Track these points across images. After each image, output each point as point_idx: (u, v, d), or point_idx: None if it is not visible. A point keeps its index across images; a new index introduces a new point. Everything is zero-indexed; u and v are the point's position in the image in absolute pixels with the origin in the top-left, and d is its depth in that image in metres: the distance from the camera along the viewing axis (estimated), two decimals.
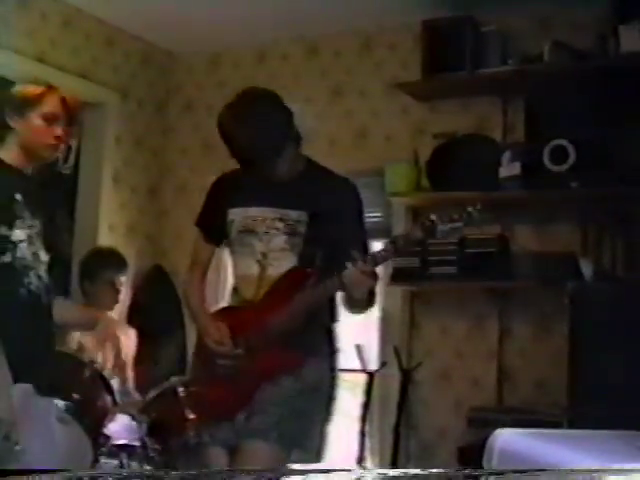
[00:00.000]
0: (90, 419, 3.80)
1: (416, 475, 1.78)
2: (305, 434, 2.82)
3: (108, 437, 3.92)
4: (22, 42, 4.45)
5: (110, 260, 4.33)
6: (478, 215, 2.80)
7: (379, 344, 4.66)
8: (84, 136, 4.97)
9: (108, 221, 4.97)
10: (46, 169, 2.96)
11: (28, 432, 2.71)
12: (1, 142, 2.90)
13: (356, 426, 4.34)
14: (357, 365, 4.43)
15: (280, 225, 2.87)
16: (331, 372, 2.95)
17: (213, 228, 3.02)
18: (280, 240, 2.87)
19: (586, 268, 4.04)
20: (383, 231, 4.40)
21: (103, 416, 3.96)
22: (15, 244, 2.79)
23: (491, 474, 2.03)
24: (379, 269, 2.96)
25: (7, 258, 2.78)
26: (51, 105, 2.88)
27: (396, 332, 4.60)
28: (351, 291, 2.78)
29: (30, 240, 2.83)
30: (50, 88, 2.93)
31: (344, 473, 1.79)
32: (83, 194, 4.97)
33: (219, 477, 2.77)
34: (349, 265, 2.71)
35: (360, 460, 4.29)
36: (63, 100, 2.92)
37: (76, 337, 4.11)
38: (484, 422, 3.97)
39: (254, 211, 2.90)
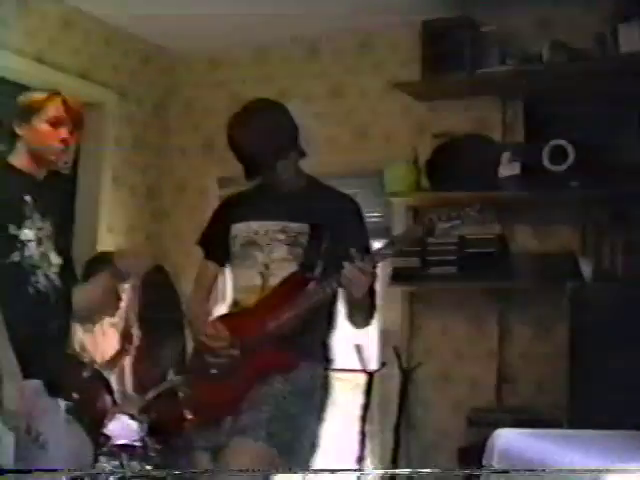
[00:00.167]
0: (90, 419, 3.81)
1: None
2: (296, 438, 2.82)
3: (108, 437, 3.92)
4: (22, 42, 4.45)
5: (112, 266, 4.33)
6: (477, 215, 2.83)
7: (379, 344, 4.65)
8: (83, 136, 4.96)
9: (108, 221, 4.97)
10: (55, 174, 2.98)
11: (40, 428, 2.77)
12: (11, 149, 2.97)
13: (356, 426, 4.35)
14: (357, 365, 4.43)
15: (282, 236, 2.92)
16: (324, 379, 2.95)
17: (214, 245, 3.07)
18: (282, 250, 2.91)
19: (586, 268, 4.04)
20: (383, 231, 4.41)
21: (103, 416, 3.97)
22: (24, 243, 2.84)
23: (492, 472, 2.04)
24: (379, 270, 2.98)
25: (16, 257, 2.83)
26: (54, 109, 2.93)
27: (396, 332, 4.60)
28: (349, 290, 2.79)
29: (39, 241, 2.88)
30: (53, 93, 2.97)
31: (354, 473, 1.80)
32: (82, 194, 4.97)
33: (224, 477, 2.79)
34: (347, 264, 2.73)
35: (360, 460, 4.29)
36: (66, 103, 2.96)
37: (78, 338, 4.11)
38: (484, 422, 3.97)
39: (256, 225, 2.96)
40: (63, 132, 2.93)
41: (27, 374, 2.75)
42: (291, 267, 2.91)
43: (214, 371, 2.90)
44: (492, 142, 4.41)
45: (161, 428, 3.94)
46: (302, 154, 2.99)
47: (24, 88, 4.01)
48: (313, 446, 2.89)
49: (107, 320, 4.31)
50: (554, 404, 3.87)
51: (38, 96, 2.96)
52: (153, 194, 5.31)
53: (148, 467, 3.86)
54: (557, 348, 3.92)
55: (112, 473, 3.71)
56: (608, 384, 3.51)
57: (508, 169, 4.21)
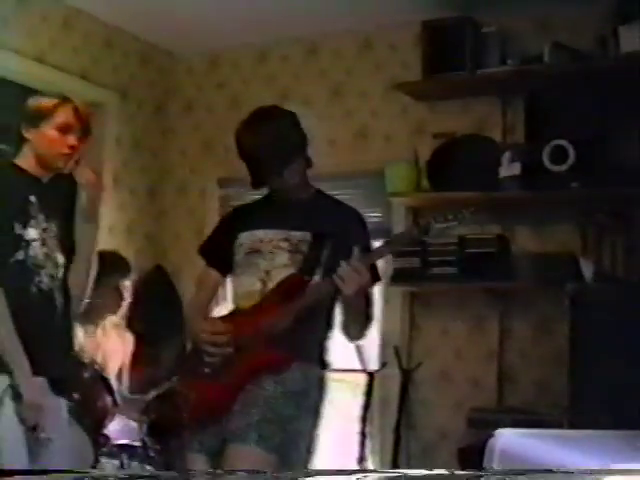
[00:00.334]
0: (90, 419, 3.81)
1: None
2: (291, 441, 2.81)
3: (108, 437, 3.93)
4: (22, 42, 4.45)
5: (115, 265, 4.33)
6: (472, 217, 2.85)
7: (379, 344, 4.65)
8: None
9: (108, 222, 4.97)
10: (59, 175, 2.99)
11: (45, 426, 2.80)
12: (17, 151, 2.98)
13: (356, 426, 4.34)
14: (357, 365, 4.43)
15: (285, 244, 2.94)
16: (319, 382, 2.94)
17: (218, 254, 3.08)
18: (283, 257, 2.93)
19: (586, 269, 4.04)
20: (383, 231, 4.40)
21: (103, 416, 3.97)
22: (28, 243, 2.86)
23: (493, 474, 2.04)
24: (379, 271, 2.99)
25: (20, 256, 2.85)
26: (64, 116, 2.94)
27: (396, 332, 4.60)
28: (341, 287, 2.78)
29: (43, 241, 2.90)
30: (64, 99, 2.98)
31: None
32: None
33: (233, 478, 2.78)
34: (343, 262, 2.75)
35: (360, 460, 4.29)
36: (76, 110, 2.97)
37: (79, 338, 4.11)
38: (484, 422, 3.97)
39: (261, 233, 2.98)
40: (72, 139, 2.94)
41: (32, 373, 2.79)
42: (290, 272, 2.92)
43: (208, 370, 2.90)
44: (492, 142, 4.41)
45: (161, 428, 3.94)
46: (309, 164, 3.00)
47: (26, 89, 4.03)
48: (310, 448, 2.88)
49: (109, 320, 4.31)
50: (554, 404, 3.87)
51: (48, 101, 2.96)
52: (153, 194, 5.30)
53: (148, 467, 3.86)
54: (557, 348, 3.93)
55: (130, 478, 3.71)
56: (608, 384, 3.51)
57: (508, 169, 4.21)
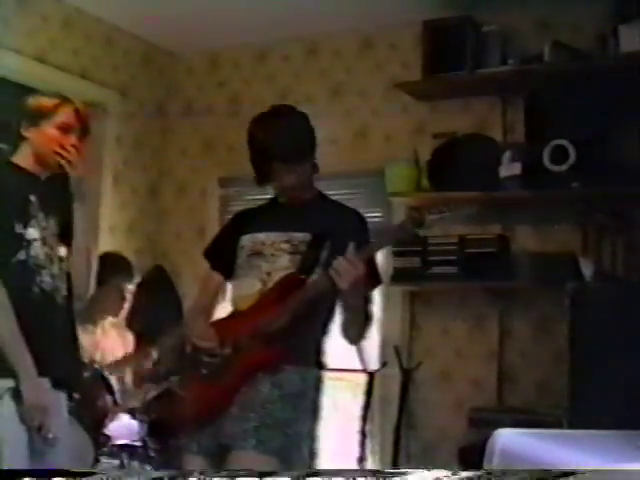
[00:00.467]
0: (91, 419, 3.81)
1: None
2: (292, 444, 2.80)
3: (109, 437, 3.93)
4: (22, 42, 4.45)
5: (119, 267, 4.34)
6: (468, 210, 2.83)
7: (379, 344, 4.65)
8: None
9: (108, 221, 4.97)
10: (58, 174, 2.98)
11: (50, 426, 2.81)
12: (14, 149, 2.98)
13: (357, 426, 4.34)
14: (357, 365, 4.43)
15: (286, 246, 2.94)
16: (317, 381, 2.94)
17: (222, 258, 3.08)
18: (284, 260, 2.93)
19: (586, 268, 4.04)
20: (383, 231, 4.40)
21: (104, 416, 3.97)
22: (29, 242, 2.86)
23: (493, 475, 2.03)
24: (380, 273, 2.99)
25: (22, 256, 2.85)
26: (65, 116, 2.94)
27: (396, 332, 4.60)
28: (337, 281, 2.76)
29: (44, 240, 2.90)
30: (65, 100, 2.98)
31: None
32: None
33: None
34: (339, 257, 2.74)
35: (361, 460, 4.29)
36: (77, 111, 2.98)
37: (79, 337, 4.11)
38: (485, 422, 3.97)
39: (263, 236, 2.98)
40: (72, 139, 2.94)
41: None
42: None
43: (205, 372, 2.90)
44: (493, 142, 4.41)
45: (161, 428, 3.94)
46: (315, 169, 3.01)
47: (26, 89, 4.03)
48: (312, 450, 2.88)
49: (109, 320, 4.31)
50: (554, 404, 3.87)
51: (49, 101, 2.96)
52: (153, 194, 5.31)
53: (148, 467, 3.87)
54: (557, 348, 3.93)
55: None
56: (608, 384, 3.51)
57: (509, 169, 4.21)
